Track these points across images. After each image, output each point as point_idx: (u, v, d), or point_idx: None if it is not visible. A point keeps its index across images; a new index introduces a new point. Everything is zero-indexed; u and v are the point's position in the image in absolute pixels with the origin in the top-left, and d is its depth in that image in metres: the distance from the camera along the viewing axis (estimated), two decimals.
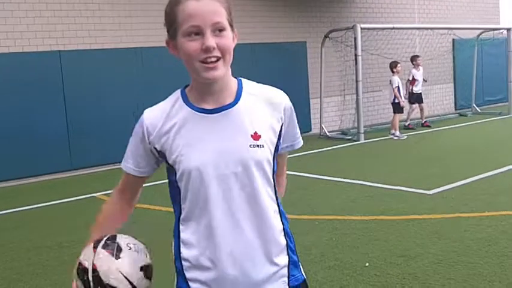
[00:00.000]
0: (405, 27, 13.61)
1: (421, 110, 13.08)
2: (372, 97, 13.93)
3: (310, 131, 12.57)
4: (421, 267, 4.20)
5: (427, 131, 12.50)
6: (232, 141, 1.57)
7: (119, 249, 1.60)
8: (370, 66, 13.46)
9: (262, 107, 1.63)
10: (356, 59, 11.56)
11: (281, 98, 1.67)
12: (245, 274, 1.58)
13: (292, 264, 1.68)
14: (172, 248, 1.67)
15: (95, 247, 1.60)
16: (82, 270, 1.58)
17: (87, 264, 1.57)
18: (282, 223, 1.67)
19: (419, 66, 12.90)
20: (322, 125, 12.45)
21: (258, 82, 1.70)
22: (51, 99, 9.13)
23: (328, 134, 12.27)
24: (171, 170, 1.62)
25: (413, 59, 12.91)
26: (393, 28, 12.80)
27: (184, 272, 1.63)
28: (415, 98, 12.83)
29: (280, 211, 1.67)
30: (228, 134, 1.57)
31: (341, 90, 13.12)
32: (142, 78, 9.93)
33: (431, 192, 6.56)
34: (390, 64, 12.04)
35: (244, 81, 1.67)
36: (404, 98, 12.16)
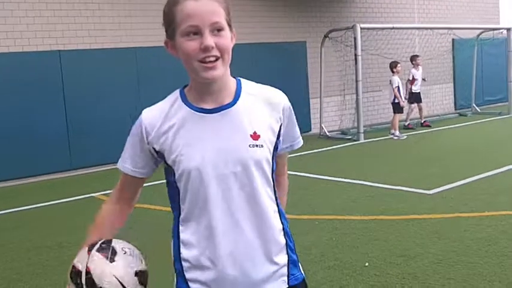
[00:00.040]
0: (405, 27, 13.61)
1: (420, 109, 13.08)
2: (372, 97, 13.93)
3: (310, 130, 12.58)
4: (421, 267, 4.20)
5: (426, 131, 12.50)
6: (232, 141, 1.57)
7: (114, 253, 1.57)
8: (369, 66, 13.47)
9: (261, 107, 1.63)
10: (356, 59, 11.56)
11: (280, 98, 1.67)
12: (245, 274, 1.58)
13: (292, 264, 1.68)
14: (172, 249, 1.67)
15: (90, 250, 1.57)
16: (75, 273, 1.55)
17: (81, 267, 1.54)
18: (282, 223, 1.67)
19: (419, 66, 12.90)
20: (322, 125, 12.45)
21: (258, 82, 1.70)
22: (50, 99, 9.13)
23: (328, 133, 12.27)
24: (170, 171, 1.61)
25: (413, 58, 12.91)
26: (393, 28, 12.80)
27: (184, 272, 1.62)
28: (414, 98, 12.83)
29: (279, 211, 1.67)
30: (227, 133, 1.57)
31: (341, 90, 13.12)
32: (142, 78, 9.94)
33: (431, 192, 6.56)
34: (390, 64, 12.04)
35: (243, 81, 1.67)
36: (405, 98, 12.17)
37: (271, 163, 1.63)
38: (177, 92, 1.65)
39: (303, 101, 12.32)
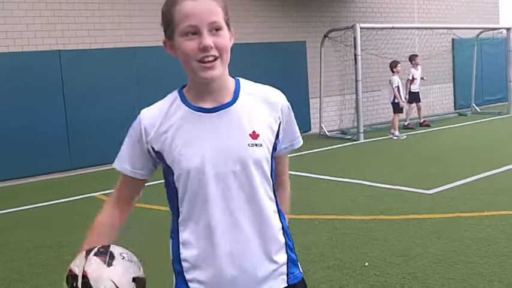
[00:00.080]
0: (405, 27, 13.61)
1: (419, 109, 13.06)
2: (372, 97, 13.93)
3: (310, 130, 12.58)
4: (421, 267, 4.20)
5: (426, 130, 12.50)
6: (231, 140, 1.57)
7: (112, 257, 1.54)
8: (369, 66, 13.47)
9: (260, 106, 1.63)
10: (355, 59, 11.56)
11: (278, 98, 1.67)
12: (245, 273, 1.58)
13: (291, 262, 1.68)
14: (171, 249, 1.66)
15: (87, 254, 1.55)
16: (72, 277, 1.52)
17: (78, 270, 1.51)
18: (281, 221, 1.67)
19: (418, 66, 12.90)
20: (322, 125, 12.46)
21: (258, 82, 1.70)
22: (50, 99, 9.13)
23: (327, 133, 12.27)
24: (169, 171, 1.61)
25: (412, 58, 12.90)
26: (393, 28, 12.80)
27: (184, 272, 1.62)
28: (413, 97, 12.82)
29: (278, 210, 1.68)
30: (226, 132, 1.57)
31: (340, 89, 13.12)
32: (142, 78, 9.94)
33: (430, 192, 6.56)
34: (390, 64, 12.03)
35: (242, 80, 1.67)
36: (405, 98, 12.16)
37: (270, 162, 1.63)
38: (175, 92, 1.65)
39: (302, 101, 12.32)
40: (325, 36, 12.39)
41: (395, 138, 11.48)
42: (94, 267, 1.50)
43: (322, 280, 4.05)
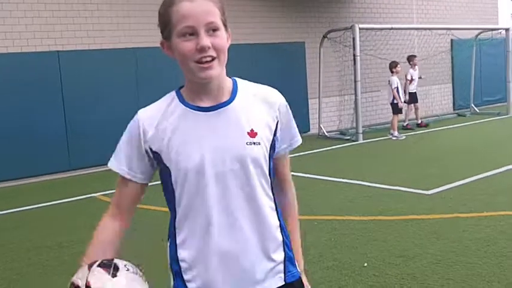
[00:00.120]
0: (403, 28, 13.63)
1: (416, 109, 13.06)
2: (371, 97, 13.94)
3: (309, 131, 12.59)
4: (420, 268, 4.21)
5: (425, 131, 12.51)
6: (229, 139, 1.57)
7: (116, 269, 1.48)
8: (368, 67, 13.48)
9: (258, 105, 1.63)
10: (354, 59, 11.56)
11: (276, 97, 1.68)
12: (243, 272, 1.59)
13: (288, 261, 1.68)
14: (168, 250, 1.66)
15: (90, 266, 1.49)
16: None
17: (81, 283, 1.44)
18: (278, 219, 1.67)
19: (416, 66, 12.91)
20: (321, 125, 12.47)
21: (257, 82, 1.71)
22: (49, 100, 9.13)
23: (326, 134, 12.28)
24: (166, 171, 1.60)
25: (410, 58, 12.91)
26: (391, 28, 12.81)
27: (182, 273, 1.62)
28: (410, 98, 12.81)
29: (276, 208, 1.68)
30: (224, 131, 1.58)
31: (339, 90, 13.13)
32: (141, 79, 9.94)
33: (429, 192, 6.57)
34: (390, 64, 12.03)
35: (239, 80, 1.68)
36: (404, 99, 12.16)
37: (268, 161, 1.63)
38: (173, 93, 1.65)
39: (301, 101, 12.33)
40: (324, 37, 12.39)
41: (394, 138, 11.49)
42: (97, 277, 1.45)
43: (321, 281, 4.06)
